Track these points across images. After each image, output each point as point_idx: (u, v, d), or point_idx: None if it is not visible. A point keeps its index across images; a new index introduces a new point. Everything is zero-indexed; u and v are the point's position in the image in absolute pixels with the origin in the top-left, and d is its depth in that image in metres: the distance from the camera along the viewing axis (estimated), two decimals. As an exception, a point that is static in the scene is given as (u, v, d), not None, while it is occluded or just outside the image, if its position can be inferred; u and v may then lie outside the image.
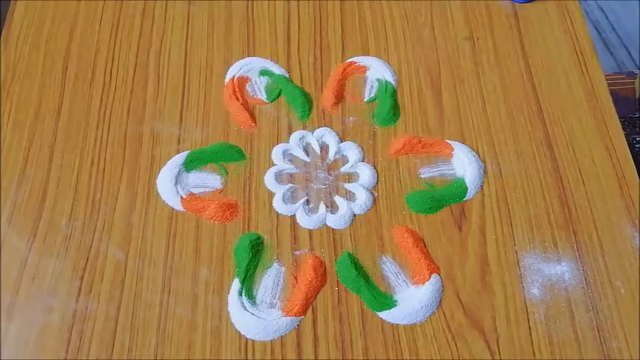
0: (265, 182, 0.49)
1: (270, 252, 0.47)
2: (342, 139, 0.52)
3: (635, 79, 1.07)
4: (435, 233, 0.48)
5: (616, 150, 0.51)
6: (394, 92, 0.54)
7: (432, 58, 0.56)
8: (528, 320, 0.44)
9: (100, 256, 0.46)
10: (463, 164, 0.50)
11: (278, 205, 0.48)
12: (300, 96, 0.53)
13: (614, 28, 1.38)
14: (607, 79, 0.55)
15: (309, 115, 0.53)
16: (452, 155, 0.51)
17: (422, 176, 0.50)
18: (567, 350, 0.43)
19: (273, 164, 0.50)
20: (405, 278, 0.46)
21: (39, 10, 0.59)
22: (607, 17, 1.39)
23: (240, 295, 0.45)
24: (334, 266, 0.46)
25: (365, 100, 0.54)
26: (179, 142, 0.51)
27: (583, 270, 0.46)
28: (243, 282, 0.45)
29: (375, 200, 0.49)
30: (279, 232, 0.48)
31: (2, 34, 0.57)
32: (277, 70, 0.55)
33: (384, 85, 0.54)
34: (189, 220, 0.48)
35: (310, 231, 0.48)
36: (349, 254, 0.46)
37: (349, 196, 0.49)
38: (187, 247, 0.47)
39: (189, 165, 0.50)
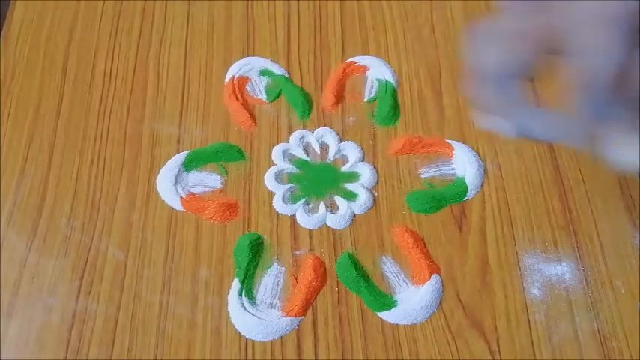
0: (265, 182, 0.49)
1: (270, 252, 0.47)
2: (342, 139, 0.52)
3: (635, 79, 1.07)
4: (435, 233, 0.48)
5: (616, 150, 0.51)
6: (394, 92, 0.54)
7: (432, 58, 0.56)
8: (528, 320, 0.44)
9: (99, 256, 0.46)
10: (463, 164, 0.50)
11: (278, 205, 0.48)
12: (300, 96, 0.53)
13: (614, 29, 1.37)
14: (607, 79, 0.55)
15: (309, 115, 0.53)
16: (452, 155, 0.51)
17: (422, 176, 0.50)
18: (567, 350, 0.43)
19: (273, 164, 0.50)
20: (405, 278, 0.46)
21: (39, 10, 0.59)
22: (607, 17, 1.39)
23: (240, 295, 0.45)
24: (334, 266, 0.46)
25: (365, 100, 0.54)
26: (179, 142, 0.51)
27: (583, 270, 0.46)
28: (243, 282, 0.45)
29: (375, 200, 0.49)
30: (279, 232, 0.48)
31: (2, 34, 0.57)
32: (277, 70, 0.55)
33: (384, 85, 0.54)
34: (189, 220, 0.48)
35: (310, 231, 0.48)
36: (349, 254, 0.46)
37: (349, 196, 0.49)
38: (187, 247, 0.47)
39: (189, 165, 0.50)
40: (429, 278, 0.45)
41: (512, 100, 0.30)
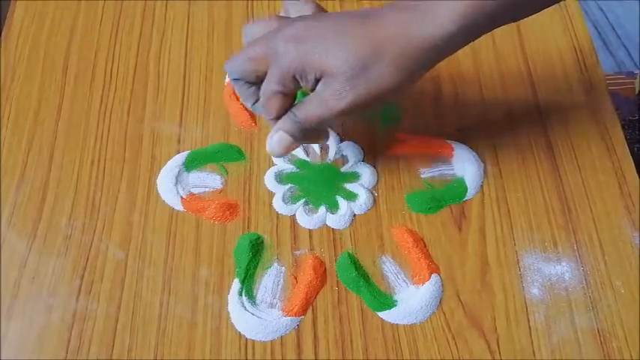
0: (265, 182, 0.49)
1: (270, 252, 0.47)
2: (342, 139, 0.52)
3: (635, 79, 1.07)
4: (435, 233, 0.48)
5: (616, 150, 0.51)
6: (394, 92, 0.54)
7: (432, 58, 0.56)
8: (528, 320, 0.44)
9: (100, 256, 0.46)
10: (463, 164, 0.50)
11: (278, 205, 0.48)
12: (299, 96, 0.53)
13: (614, 28, 1.38)
14: (607, 79, 0.55)
15: (309, 115, 0.53)
16: (452, 155, 0.51)
17: (422, 176, 0.50)
18: (567, 350, 0.43)
19: (273, 164, 0.50)
20: (405, 278, 0.46)
21: (39, 10, 0.59)
22: (607, 17, 1.40)
23: (240, 295, 0.45)
24: (334, 266, 0.46)
25: (365, 100, 0.54)
26: (179, 141, 0.51)
27: (583, 270, 0.46)
28: (243, 282, 0.45)
29: (375, 200, 0.49)
30: (279, 232, 0.48)
31: (2, 34, 0.57)
32: (277, 70, 0.55)
33: (384, 85, 0.54)
34: (189, 220, 0.48)
35: (310, 231, 0.48)
36: (349, 254, 0.46)
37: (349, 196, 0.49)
38: (187, 247, 0.47)
39: (190, 165, 0.50)
40: (429, 278, 0.45)
41: (245, 96, 0.43)
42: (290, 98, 0.41)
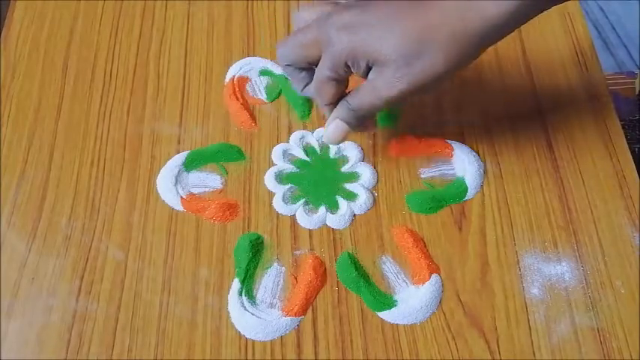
0: (265, 182, 0.49)
1: (270, 252, 0.47)
2: (342, 139, 0.52)
3: (635, 79, 1.07)
4: (435, 233, 0.48)
5: (616, 150, 0.51)
6: (394, 92, 0.54)
7: (432, 58, 0.56)
8: (528, 320, 0.44)
9: (100, 256, 0.46)
10: (463, 164, 0.50)
11: (278, 205, 0.48)
12: (300, 96, 0.53)
13: (614, 28, 1.38)
14: (607, 79, 0.55)
15: (309, 115, 0.53)
16: (452, 155, 0.51)
17: (422, 176, 0.50)
18: (567, 350, 0.43)
19: (273, 164, 0.50)
20: (405, 278, 0.46)
21: (39, 10, 0.59)
22: (607, 17, 1.39)
23: (240, 294, 0.45)
24: (334, 266, 0.46)
25: (365, 100, 0.54)
26: (179, 142, 0.51)
27: (583, 270, 0.46)
28: (243, 282, 0.45)
29: (375, 200, 0.49)
30: (279, 232, 0.48)
31: (2, 34, 0.57)
32: (277, 70, 0.55)
33: (384, 85, 0.54)
34: (189, 220, 0.48)
35: (310, 231, 0.48)
36: (349, 254, 0.46)
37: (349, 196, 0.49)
38: (187, 247, 0.47)
39: (189, 165, 0.50)
40: (429, 278, 0.45)
41: (296, 81, 0.45)
42: (343, 84, 0.42)
